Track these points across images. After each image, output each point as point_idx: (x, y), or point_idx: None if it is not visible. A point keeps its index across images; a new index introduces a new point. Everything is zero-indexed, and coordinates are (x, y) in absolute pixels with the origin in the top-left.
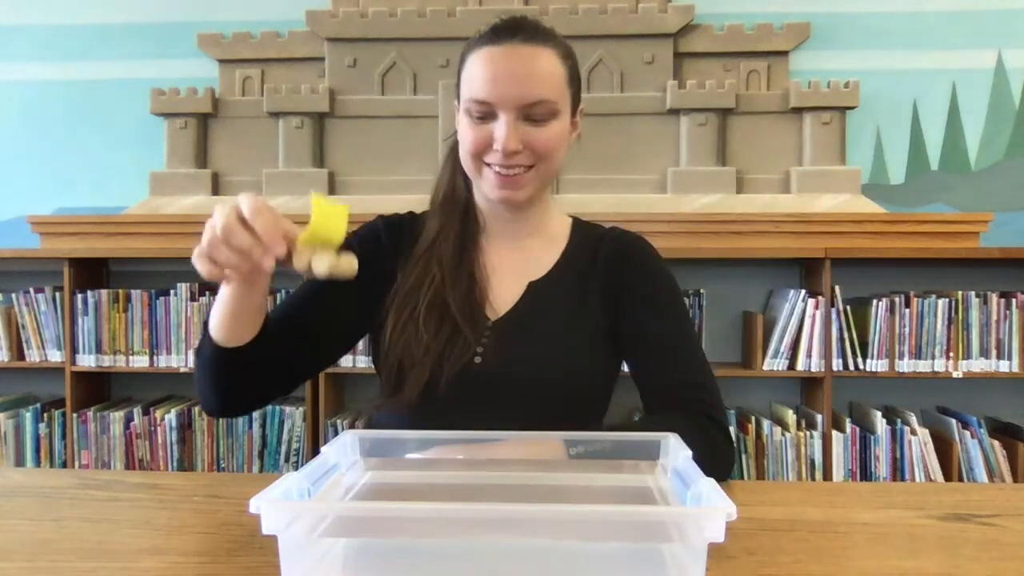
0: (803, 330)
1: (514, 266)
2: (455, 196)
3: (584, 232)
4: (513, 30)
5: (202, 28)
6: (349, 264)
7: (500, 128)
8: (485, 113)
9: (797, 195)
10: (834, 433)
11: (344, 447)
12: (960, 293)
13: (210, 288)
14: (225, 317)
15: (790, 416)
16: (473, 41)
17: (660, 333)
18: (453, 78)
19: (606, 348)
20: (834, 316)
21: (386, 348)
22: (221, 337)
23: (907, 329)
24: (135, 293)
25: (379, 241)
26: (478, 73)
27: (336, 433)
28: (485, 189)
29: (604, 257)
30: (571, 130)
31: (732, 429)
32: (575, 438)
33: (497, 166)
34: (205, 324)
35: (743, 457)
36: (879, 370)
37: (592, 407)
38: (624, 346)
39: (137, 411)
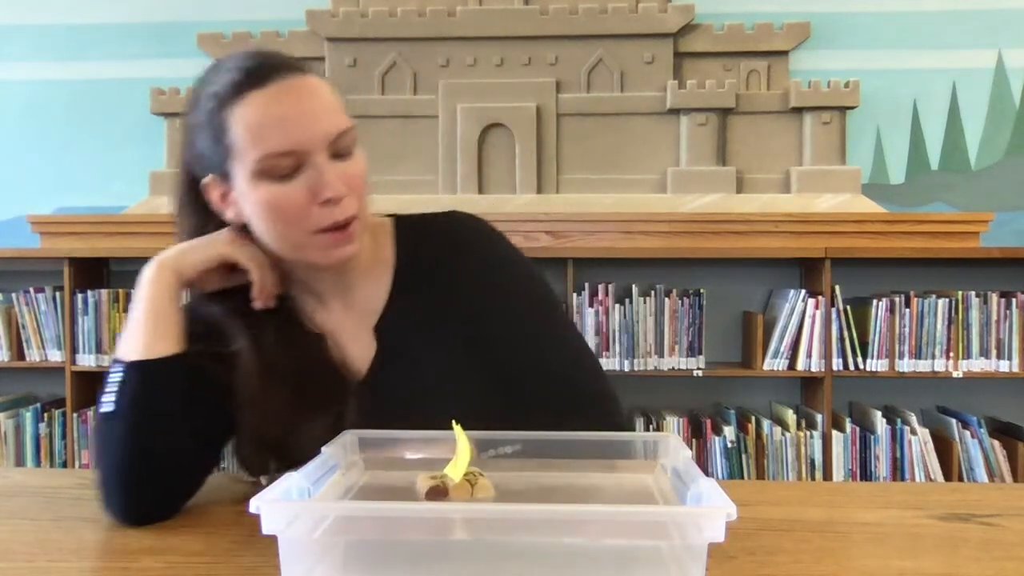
0: (803, 330)
1: (351, 318)
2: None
3: (407, 240)
4: (275, 67)
5: (202, 28)
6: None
7: (318, 174)
8: (290, 167)
9: (797, 195)
10: (834, 433)
11: (344, 447)
12: (960, 293)
13: None
14: None
15: (790, 416)
16: (223, 94)
17: (529, 348)
18: (454, 78)
19: (485, 362)
20: (834, 316)
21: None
22: None
23: (907, 329)
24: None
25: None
26: (265, 122)
27: None
28: (315, 257)
29: (437, 268)
30: None
31: (732, 429)
32: (494, 438)
33: (328, 222)
34: None
35: (743, 457)
36: (879, 370)
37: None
38: (496, 360)
39: None
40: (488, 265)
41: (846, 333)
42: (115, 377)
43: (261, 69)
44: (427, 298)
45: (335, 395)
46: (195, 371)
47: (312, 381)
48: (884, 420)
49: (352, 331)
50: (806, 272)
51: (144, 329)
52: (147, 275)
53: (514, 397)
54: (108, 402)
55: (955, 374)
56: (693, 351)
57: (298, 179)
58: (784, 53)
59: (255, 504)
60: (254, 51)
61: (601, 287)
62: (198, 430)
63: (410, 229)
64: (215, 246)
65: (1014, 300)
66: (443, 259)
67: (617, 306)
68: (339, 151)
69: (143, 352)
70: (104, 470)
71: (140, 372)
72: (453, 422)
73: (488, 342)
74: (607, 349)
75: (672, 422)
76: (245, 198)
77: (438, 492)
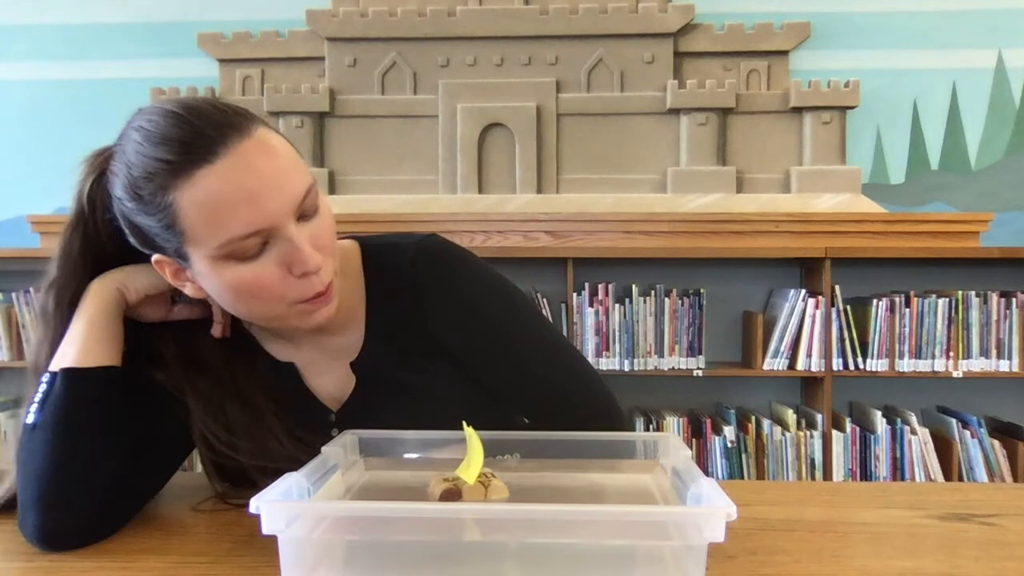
0: (803, 330)
1: (323, 354)
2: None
3: (378, 273)
4: (218, 135)
5: (202, 28)
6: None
7: (291, 248)
8: (258, 245)
9: (797, 195)
10: (834, 433)
11: (344, 447)
12: (960, 293)
13: None
14: None
15: (790, 416)
16: (163, 175)
17: (519, 365)
18: (454, 78)
19: (473, 384)
20: (834, 316)
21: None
22: None
23: (907, 329)
24: None
25: None
26: (223, 207)
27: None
28: (295, 323)
29: (413, 301)
30: None
31: (732, 429)
32: (496, 439)
33: (310, 294)
34: None
35: (743, 457)
36: (879, 370)
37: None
38: (485, 381)
39: None
40: (464, 289)
41: (846, 333)
42: (42, 387)
43: (202, 141)
44: (404, 330)
45: (312, 423)
46: (145, 388)
47: (286, 410)
48: (884, 420)
49: (325, 364)
50: (806, 272)
51: (78, 339)
52: (91, 290)
53: (507, 415)
54: (31, 412)
55: (955, 374)
56: (693, 351)
57: (268, 254)
58: (784, 53)
59: (255, 504)
60: (183, 109)
61: (601, 287)
62: (140, 450)
63: (379, 261)
64: None
65: (1014, 300)
66: (418, 291)
67: (617, 306)
68: (305, 212)
69: (72, 360)
70: (21, 486)
71: (67, 380)
72: (464, 423)
73: (475, 365)
74: (607, 349)
75: (672, 422)
76: (207, 279)
77: (452, 494)
